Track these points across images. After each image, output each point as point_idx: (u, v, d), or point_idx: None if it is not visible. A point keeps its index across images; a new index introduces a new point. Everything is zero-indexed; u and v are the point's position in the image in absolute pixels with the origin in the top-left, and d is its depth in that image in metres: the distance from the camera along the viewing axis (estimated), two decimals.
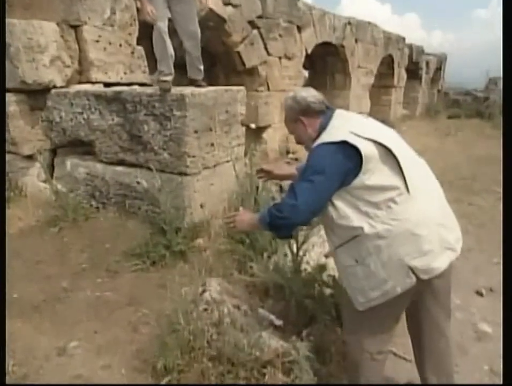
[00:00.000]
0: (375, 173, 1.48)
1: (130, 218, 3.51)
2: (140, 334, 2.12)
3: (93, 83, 4.23)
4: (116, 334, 2.14)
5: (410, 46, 12.15)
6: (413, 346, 1.79)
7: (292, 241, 2.24)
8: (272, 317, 2.07)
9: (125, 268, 2.84)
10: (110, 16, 4.27)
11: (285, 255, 2.30)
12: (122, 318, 2.26)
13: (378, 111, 10.82)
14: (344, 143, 1.49)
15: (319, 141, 1.58)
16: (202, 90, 3.34)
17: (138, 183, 3.44)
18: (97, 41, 4.21)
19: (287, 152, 7.01)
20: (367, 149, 1.49)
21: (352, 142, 1.48)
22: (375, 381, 1.69)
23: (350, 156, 1.48)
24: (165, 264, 2.87)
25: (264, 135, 6.74)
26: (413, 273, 1.46)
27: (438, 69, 14.87)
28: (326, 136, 1.58)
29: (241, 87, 3.80)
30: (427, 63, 13.54)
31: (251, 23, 6.03)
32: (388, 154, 1.50)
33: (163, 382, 1.75)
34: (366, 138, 1.51)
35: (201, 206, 3.35)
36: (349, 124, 1.60)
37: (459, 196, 5.01)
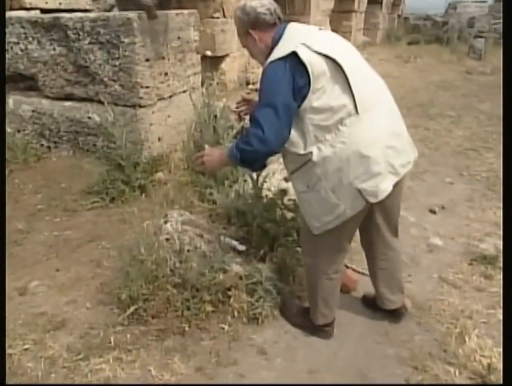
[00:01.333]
0: (326, 93, 1.42)
1: (85, 156, 3.36)
2: (103, 268, 2.11)
3: (28, 9, 3.82)
4: (79, 270, 2.12)
5: None
6: (367, 262, 1.88)
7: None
8: (235, 242, 2.11)
9: (83, 206, 2.77)
10: None
11: (245, 181, 2.30)
12: (84, 255, 2.24)
13: None
14: (294, 56, 1.41)
15: (270, 58, 1.48)
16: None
17: (90, 118, 3.25)
18: None
19: (247, 83, 6.79)
20: (317, 65, 1.41)
21: (301, 55, 1.40)
22: (332, 299, 1.77)
23: (301, 72, 1.40)
24: (125, 199, 2.81)
25: (222, 65, 6.45)
26: (362, 195, 1.47)
27: None
28: (277, 52, 1.48)
29: (193, 10, 3.55)
30: None
31: None
32: (338, 70, 1.43)
33: (129, 312, 1.77)
34: (316, 52, 1.42)
35: (159, 139, 3.24)
36: (301, 36, 1.50)
37: (416, 121, 5.12)
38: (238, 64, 6.63)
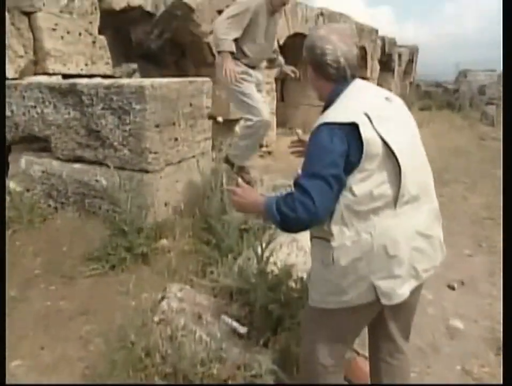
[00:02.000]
0: (371, 177, 1.30)
1: (90, 218, 3.30)
2: (91, 348, 1.95)
3: (50, 74, 3.97)
4: (65, 349, 1.96)
5: (383, 39, 12.14)
6: (370, 356, 1.68)
7: (257, 242, 2.11)
8: (236, 324, 1.94)
9: (81, 273, 2.65)
10: (68, 3, 4.01)
11: (249, 259, 2.17)
12: (74, 331, 2.08)
13: None
14: (353, 127, 1.28)
15: (326, 117, 1.34)
16: (164, 81, 3.14)
17: (97, 181, 3.23)
18: (54, 29, 3.95)
19: (261, 146, 6.86)
20: (374, 145, 1.29)
21: (362, 130, 1.27)
22: None
23: (357, 147, 1.28)
24: (125, 267, 2.69)
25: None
26: (375, 292, 1.33)
27: (410, 61, 14.98)
28: (334, 112, 1.34)
29: (207, 78, 3.63)
30: (399, 55, 13.60)
31: (221, 13, 5.82)
32: (391, 157, 1.30)
33: None
34: (376, 130, 1.29)
35: (165, 204, 3.18)
36: (365, 101, 1.36)
37: None
38: None
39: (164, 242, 2.95)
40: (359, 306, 1.37)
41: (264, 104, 3.57)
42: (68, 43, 4.06)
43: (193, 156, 3.42)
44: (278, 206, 1.33)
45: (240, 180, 1.52)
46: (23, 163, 3.59)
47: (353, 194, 1.30)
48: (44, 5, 3.88)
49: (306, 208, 1.27)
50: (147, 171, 3.02)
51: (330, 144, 1.28)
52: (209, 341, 1.69)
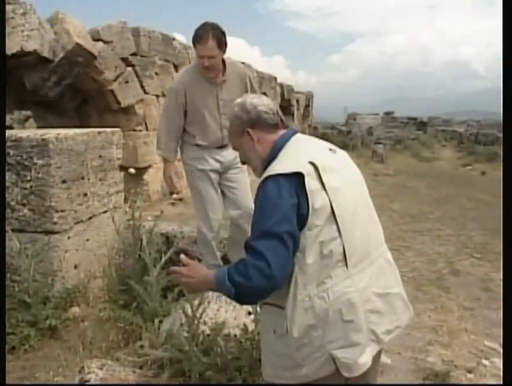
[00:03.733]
0: (320, 234, 1.21)
1: None
2: None
3: None
4: None
5: (281, 85, 13.02)
6: None
7: (186, 304, 1.97)
8: None
9: None
10: None
11: (181, 325, 2.01)
12: None
13: None
14: (300, 177, 1.21)
15: (270, 170, 1.27)
16: (70, 132, 2.91)
17: None
18: None
19: (171, 193, 6.70)
20: (320, 197, 1.21)
21: (306, 180, 1.20)
22: None
23: (305, 199, 1.20)
24: (29, 347, 2.32)
25: (145, 176, 6.35)
26: (334, 363, 1.22)
27: (307, 106, 16.23)
28: (278, 165, 1.28)
29: (117, 129, 3.47)
30: (297, 100, 14.66)
31: (125, 61, 5.73)
32: (332, 212, 1.23)
33: None
34: (322, 181, 1.23)
35: (75, 266, 2.86)
36: (310, 152, 1.31)
37: None
38: (161, 175, 6.57)
39: (76, 310, 2.63)
40: (320, 379, 1.25)
41: (215, 206, 2.80)
42: None
43: (105, 211, 3.18)
44: (230, 277, 1.20)
45: (182, 256, 1.35)
46: None
47: (304, 254, 1.21)
48: None
49: (261, 273, 1.16)
50: (52, 232, 2.71)
51: (279, 198, 1.20)
52: None
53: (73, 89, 5.75)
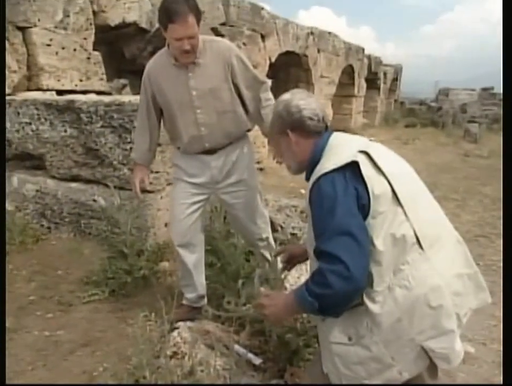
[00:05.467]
0: (386, 219, 1.15)
1: (86, 239, 3.19)
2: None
3: (44, 90, 3.88)
4: None
5: (369, 57, 12.41)
6: None
7: (267, 266, 2.04)
8: (251, 355, 1.86)
9: (80, 299, 2.53)
10: (63, 19, 3.95)
11: (261, 284, 2.09)
12: (76, 364, 1.96)
13: (340, 120, 10.93)
14: (354, 166, 1.17)
15: (321, 170, 1.20)
16: None
17: (95, 201, 3.13)
18: (48, 45, 3.87)
19: None
20: (378, 183, 1.16)
21: (362, 167, 1.16)
22: None
23: (363, 188, 1.15)
24: (126, 292, 2.58)
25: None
26: (428, 356, 1.15)
27: (395, 80, 15.34)
28: (328, 162, 1.21)
29: None
30: (385, 74, 13.90)
31: (215, 31, 5.84)
32: (394, 196, 1.18)
33: None
34: (377, 168, 1.18)
35: (166, 225, 3.09)
36: (356, 143, 1.28)
37: None
38: None
39: (165, 264, 2.86)
40: (415, 378, 1.18)
41: (179, 227, 2.16)
42: (62, 59, 3.98)
43: None
44: (309, 291, 1.13)
45: (262, 289, 1.33)
46: (15, 181, 3.46)
47: (374, 244, 1.14)
48: (39, 20, 3.80)
49: (340, 276, 1.08)
50: (148, 191, 2.94)
51: (337, 194, 1.14)
52: (228, 376, 1.60)
53: None
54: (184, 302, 2.31)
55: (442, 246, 1.22)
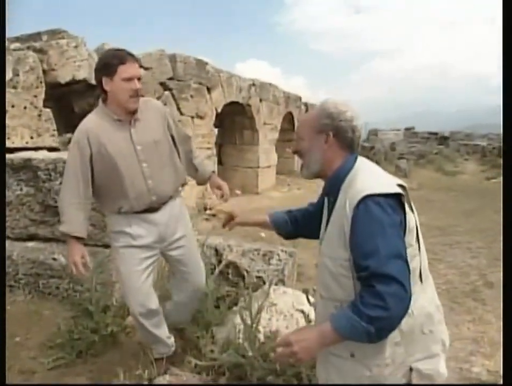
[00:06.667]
0: (410, 253, 1.21)
1: (46, 301, 3.06)
2: None
3: None
4: None
5: (306, 104, 13.27)
6: None
7: (245, 311, 2.12)
8: None
9: (44, 365, 2.40)
10: (13, 77, 3.94)
11: (238, 330, 2.16)
12: None
13: (283, 162, 11.44)
14: (396, 198, 1.20)
15: (365, 189, 1.19)
16: None
17: (54, 259, 3.05)
18: None
19: (205, 209, 6.93)
20: (410, 217, 1.23)
21: (405, 202, 1.21)
22: None
23: (402, 219, 1.20)
24: (95, 352, 2.51)
25: (181, 193, 6.60)
26: (410, 377, 1.23)
27: None
28: (366, 182, 1.22)
29: None
30: None
31: (163, 85, 6.06)
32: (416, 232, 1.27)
33: None
34: (409, 203, 1.24)
35: None
36: (384, 173, 1.31)
37: None
38: (196, 191, 6.83)
39: None
40: None
41: (138, 292, 2.15)
42: (13, 117, 3.95)
43: None
44: (363, 315, 1.10)
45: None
46: None
47: None
48: None
49: (399, 298, 1.09)
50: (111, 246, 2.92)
51: (387, 216, 1.16)
52: None
53: None
54: (156, 356, 2.32)
55: (428, 277, 1.34)
